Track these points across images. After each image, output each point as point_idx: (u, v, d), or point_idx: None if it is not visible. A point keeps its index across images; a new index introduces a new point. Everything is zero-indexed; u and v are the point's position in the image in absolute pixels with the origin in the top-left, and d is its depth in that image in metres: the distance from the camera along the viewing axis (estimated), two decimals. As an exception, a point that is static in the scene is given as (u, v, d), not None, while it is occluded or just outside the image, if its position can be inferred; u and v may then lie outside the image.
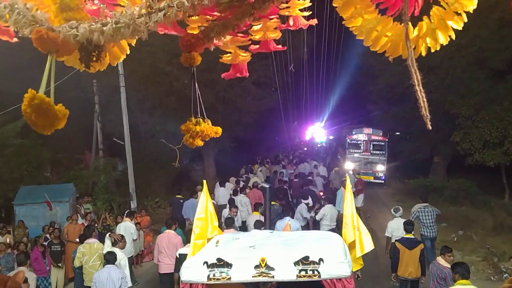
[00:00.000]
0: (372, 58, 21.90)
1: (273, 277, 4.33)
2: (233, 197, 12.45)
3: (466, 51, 17.35)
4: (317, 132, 46.54)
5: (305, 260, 4.34)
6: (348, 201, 5.42)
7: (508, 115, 16.19)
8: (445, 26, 1.48)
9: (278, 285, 5.49)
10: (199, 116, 1.73)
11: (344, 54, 30.26)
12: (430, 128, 1.35)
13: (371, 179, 22.77)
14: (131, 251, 9.89)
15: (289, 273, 4.30)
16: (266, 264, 4.33)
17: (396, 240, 8.17)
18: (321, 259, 4.35)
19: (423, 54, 1.61)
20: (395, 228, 9.33)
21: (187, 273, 4.49)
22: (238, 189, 13.54)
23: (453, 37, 1.51)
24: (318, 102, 43.23)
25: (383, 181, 23.13)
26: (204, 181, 5.62)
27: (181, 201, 13.03)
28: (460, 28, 1.50)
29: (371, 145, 23.64)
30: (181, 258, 6.83)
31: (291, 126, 35.88)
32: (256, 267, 4.32)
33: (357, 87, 30.22)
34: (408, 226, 8.15)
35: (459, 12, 1.48)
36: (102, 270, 6.84)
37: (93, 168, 16.34)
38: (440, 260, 6.65)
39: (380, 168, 23.31)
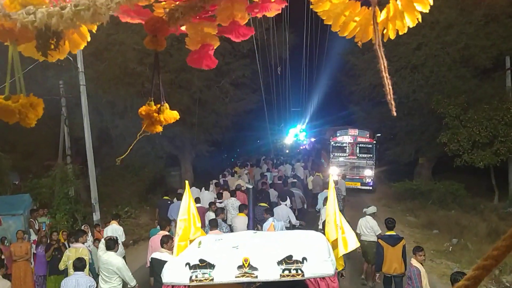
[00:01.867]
0: (354, 58, 22.37)
1: (256, 277, 4.53)
2: (220, 200, 12.99)
3: (451, 49, 17.95)
4: (299, 134, 47.17)
5: (288, 260, 4.57)
6: (331, 200, 5.72)
7: (497, 114, 16.63)
8: (412, 8, 1.56)
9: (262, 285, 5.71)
10: (161, 103, 1.78)
11: (326, 54, 30.81)
12: (395, 114, 1.56)
13: (358, 185, 22.07)
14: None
15: (273, 273, 4.52)
16: (249, 264, 4.53)
17: (379, 238, 8.63)
18: (304, 258, 4.58)
19: (392, 37, 1.69)
20: (363, 225, 9.89)
21: (168, 275, 4.67)
22: (222, 192, 14.11)
23: (420, 20, 1.61)
24: (300, 103, 43.84)
25: (371, 187, 22.42)
26: (187, 182, 5.84)
27: (169, 202, 13.62)
28: (427, 11, 1.57)
29: (358, 147, 22.91)
30: (152, 262, 7.10)
31: (273, 128, 36.24)
32: (239, 267, 4.52)
33: (340, 87, 30.27)
34: (390, 224, 8.59)
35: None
36: (70, 277, 6.97)
37: (58, 176, 15.86)
38: (412, 260, 7.06)
39: (368, 173, 22.54)
